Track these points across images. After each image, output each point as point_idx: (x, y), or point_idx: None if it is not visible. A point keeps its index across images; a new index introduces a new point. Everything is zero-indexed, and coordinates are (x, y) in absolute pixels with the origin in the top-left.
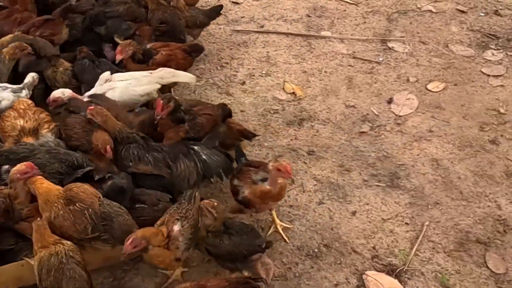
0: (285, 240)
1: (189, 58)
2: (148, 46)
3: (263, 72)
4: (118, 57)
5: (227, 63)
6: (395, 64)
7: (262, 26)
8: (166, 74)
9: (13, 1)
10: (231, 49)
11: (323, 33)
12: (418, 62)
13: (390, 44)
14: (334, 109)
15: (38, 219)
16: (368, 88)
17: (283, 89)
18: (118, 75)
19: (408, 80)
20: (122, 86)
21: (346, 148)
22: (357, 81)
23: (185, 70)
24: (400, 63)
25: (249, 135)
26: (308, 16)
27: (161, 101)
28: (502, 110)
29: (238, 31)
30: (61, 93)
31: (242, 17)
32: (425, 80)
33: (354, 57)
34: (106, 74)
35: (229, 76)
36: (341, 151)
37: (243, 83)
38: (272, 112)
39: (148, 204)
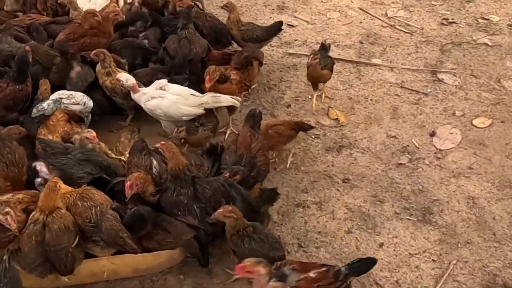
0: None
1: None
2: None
3: (309, 96)
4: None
5: (275, 85)
6: (443, 97)
7: (313, 50)
8: (210, 100)
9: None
10: (281, 71)
11: (373, 61)
12: (466, 96)
13: (440, 76)
14: (375, 138)
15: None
16: (412, 119)
17: (327, 114)
18: (173, 86)
19: (454, 113)
20: (170, 99)
21: (382, 178)
22: (402, 111)
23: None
24: (448, 95)
25: (306, 127)
26: (361, 42)
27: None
28: None
29: (290, 54)
30: (126, 79)
31: (296, 40)
32: (471, 115)
33: (402, 87)
34: (163, 81)
35: (276, 98)
36: (376, 181)
37: (289, 106)
38: (313, 137)
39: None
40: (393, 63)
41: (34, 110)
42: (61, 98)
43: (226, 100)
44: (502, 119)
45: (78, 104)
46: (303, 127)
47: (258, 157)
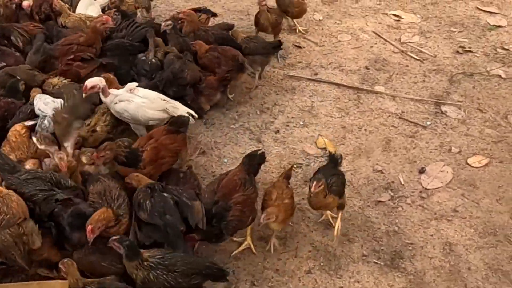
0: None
1: (178, 136)
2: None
3: (301, 122)
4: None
5: (268, 108)
6: (442, 131)
7: (316, 74)
8: (170, 108)
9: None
10: (277, 94)
11: (376, 88)
12: (468, 132)
13: (443, 108)
14: (360, 172)
15: None
16: (404, 153)
17: (316, 143)
18: (142, 90)
19: (450, 150)
20: (137, 102)
21: (357, 216)
22: (395, 144)
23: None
24: (448, 130)
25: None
26: (367, 68)
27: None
28: None
29: (290, 76)
30: (100, 81)
31: (299, 62)
32: (468, 153)
33: (400, 118)
34: (134, 84)
35: (266, 122)
36: (350, 219)
37: (277, 131)
38: (295, 167)
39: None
40: (396, 91)
41: (38, 129)
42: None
43: (183, 111)
44: (501, 159)
45: None
46: None
47: (233, 211)
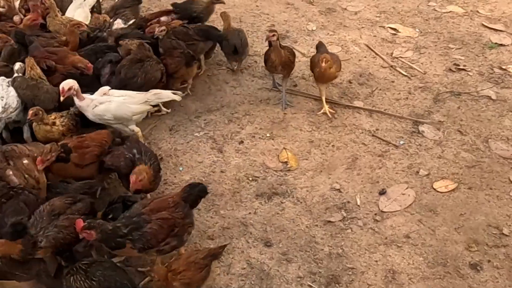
0: None
1: (104, 130)
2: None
3: (268, 134)
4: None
5: (238, 118)
6: (414, 152)
7: (295, 85)
8: (152, 97)
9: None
10: (251, 104)
11: (355, 103)
12: (441, 154)
13: (421, 128)
14: (317, 189)
15: None
16: (368, 172)
17: (278, 156)
18: (116, 91)
19: (417, 172)
20: (118, 101)
21: (302, 235)
22: (361, 162)
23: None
24: (421, 151)
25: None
26: (350, 82)
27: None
28: (505, 231)
29: (267, 87)
30: (74, 83)
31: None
32: (437, 176)
33: (373, 135)
34: (106, 88)
35: (233, 132)
36: (294, 238)
37: (241, 142)
38: (250, 179)
39: None
40: (375, 107)
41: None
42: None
43: (167, 96)
44: (471, 185)
45: (17, 109)
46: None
47: (151, 224)
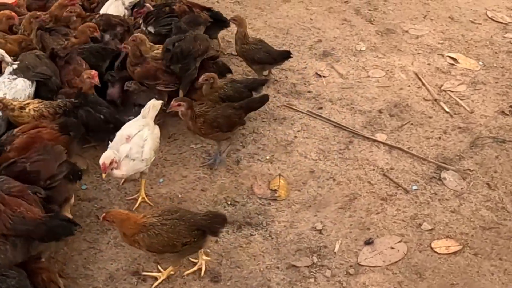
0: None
1: (62, 137)
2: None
3: (268, 157)
4: None
5: (243, 134)
6: (425, 201)
7: (320, 108)
8: (152, 112)
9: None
10: (263, 121)
11: (377, 135)
12: (457, 208)
13: (444, 174)
14: (296, 226)
15: None
16: (362, 217)
17: (269, 182)
18: (130, 130)
19: (419, 225)
20: (148, 134)
21: (256, 277)
22: (359, 203)
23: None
24: (434, 201)
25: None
26: (380, 111)
27: None
28: None
29: (289, 105)
30: (114, 155)
31: (309, 91)
32: (441, 234)
33: (384, 174)
34: (125, 133)
35: (232, 149)
36: (246, 279)
37: (237, 162)
38: (228, 203)
39: None
40: (399, 143)
41: None
42: None
43: (158, 104)
44: (478, 250)
45: None
46: None
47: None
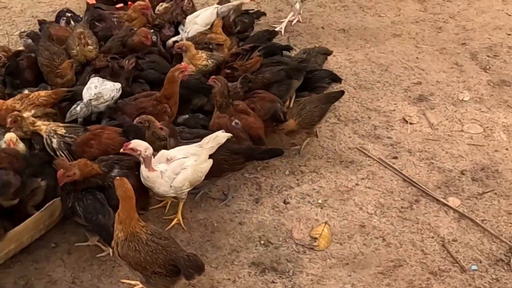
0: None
1: (119, 138)
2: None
3: (320, 201)
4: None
5: (301, 172)
6: (481, 285)
7: (395, 157)
8: (213, 144)
9: None
10: (327, 161)
11: (449, 199)
12: None
13: None
14: (324, 283)
15: None
16: (397, 286)
17: (312, 228)
18: (176, 153)
19: None
20: (191, 164)
21: None
22: (403, 272)
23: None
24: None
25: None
26: (462, 173)
27: None
28: None
29: (360, 149)
30: (146, 148)
31: (388, 137)
32: None
33: (443, 245)
34: (166, 152)
35: (285, 186)
36: None
37: (286, 202)
38: (261, 243)
39: None
40: (472, 213)
41: (68, 115)
42: (90, 100)
43: (223, 137)
44: None
45: (107, 101)
46: None
47: None
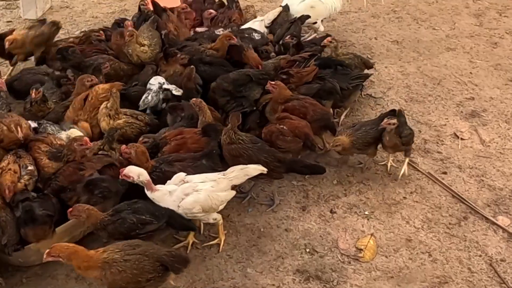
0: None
1: (203, 139)
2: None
3: (366, 212)
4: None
5: (349, 182)
6: None
7: (444, 173)
8: (240, 174)
9: None
10: (376, 173)
11: (499, 218)
12: None
13: None
14: None
15: None
16: None
17: (358, 239)
18: (193, 177)
19: None
20: (206, 189)
21: None
22: None
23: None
24: None
25: None
26: (510, 197)
27: None
28: None
29: (409, 163)
30: (137, 174)
31: (439, 152)
32: None
33: (490, 265)
34: (182, 174)
35: (332, 195)
36: None
37: (332, 211)
38: (307, 251)
39: None
40: None
41: (141, 103)
42: (161, 84)
43: (254, 170)
44: None
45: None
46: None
47: None
